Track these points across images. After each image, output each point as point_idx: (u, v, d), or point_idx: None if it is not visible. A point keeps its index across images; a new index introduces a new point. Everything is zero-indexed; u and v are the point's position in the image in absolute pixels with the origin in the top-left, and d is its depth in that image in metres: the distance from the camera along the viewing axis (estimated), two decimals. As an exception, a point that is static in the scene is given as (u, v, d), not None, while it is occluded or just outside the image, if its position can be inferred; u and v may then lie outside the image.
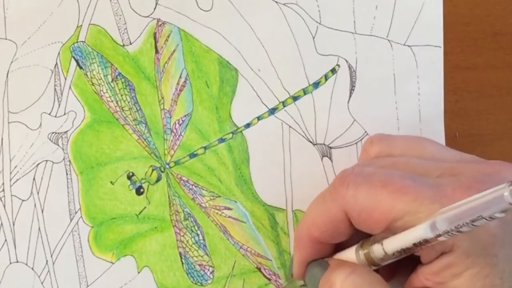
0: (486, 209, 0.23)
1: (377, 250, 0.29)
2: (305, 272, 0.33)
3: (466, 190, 0.27)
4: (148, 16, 0.40)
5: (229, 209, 0.40)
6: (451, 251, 0.28)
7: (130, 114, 0.40)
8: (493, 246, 0.27)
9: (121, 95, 0.40)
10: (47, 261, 0.39)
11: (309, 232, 0.32)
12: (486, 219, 0.24)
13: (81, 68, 0.39)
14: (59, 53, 0.39)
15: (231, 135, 0.40)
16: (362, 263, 0.30)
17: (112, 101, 0.40)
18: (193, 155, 0.40)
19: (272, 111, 0.40)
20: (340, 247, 0.32)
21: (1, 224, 0.39)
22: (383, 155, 0.33)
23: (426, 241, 0.27)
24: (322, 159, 0.40)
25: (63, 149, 0.39)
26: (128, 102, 0.40)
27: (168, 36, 0.40)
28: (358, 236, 0.31)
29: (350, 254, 0.31)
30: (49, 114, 0.39)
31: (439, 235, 0.26)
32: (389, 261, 0.30)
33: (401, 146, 0.33)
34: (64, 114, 0.39)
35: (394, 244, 0.28)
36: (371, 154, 0.34)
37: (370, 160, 0.33)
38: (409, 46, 0.39)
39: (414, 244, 0.27)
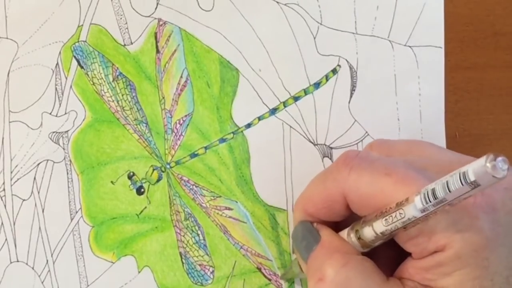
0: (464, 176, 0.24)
1: (367, 232, 0.30)
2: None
3: None
4: (149, 16, 0.40)
5: (229, 209, 0.39)
6: (443, 251, 0.28)
7: (131, 113, 0.39)
8: (485, 249, 0.28)
9: (122, 95, 0.39)
10: (47, 260, 0.39)
11: (305, 207, 0.33)
12: (462, 184, 0.24)
13: (82, 67, 0.39)
14: (60, 52, 0.39)
15: (231, 135, 0.40)
16: (354, 245, 0.30)
17: (113, 100, 0.39)
18: (193, 155, 0.40)
19: (273, 111, 0.40)
20: (337, 227, 0.33)
21: (2, 223, 0.39)
22: None
23: (415, 220, 0.27)
24: (323, 159, 0.40)
25: (63, 149, 0.39)
26: (129, 102, 0.39)
27: (169, 36, 0.40)
28: (355, 218, 0.31)
29: (342, 235, 0.32)
30: (50, 113, 0.39)
31: (424, 210, 0.26)
32: (381, 241, 0.30)
33: (400, 150, 0.34)
34: (65, 113, 0.39)
35: (383, 226, 0.28)
36: None
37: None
38: (410, 46, 0.40)
39: (403, 225, 0.28)
